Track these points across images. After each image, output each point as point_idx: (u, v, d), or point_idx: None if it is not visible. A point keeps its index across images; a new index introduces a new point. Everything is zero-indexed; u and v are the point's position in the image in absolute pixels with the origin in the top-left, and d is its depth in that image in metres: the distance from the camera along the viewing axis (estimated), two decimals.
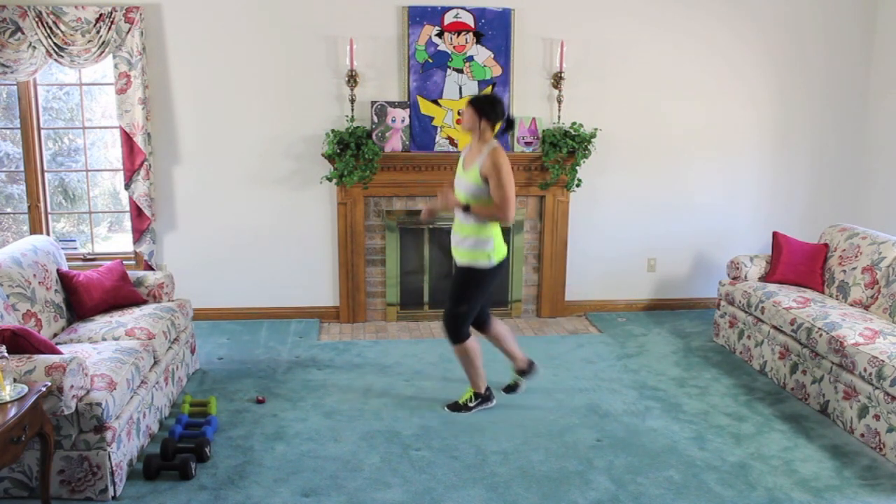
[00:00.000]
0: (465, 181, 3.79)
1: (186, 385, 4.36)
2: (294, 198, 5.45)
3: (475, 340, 3.94)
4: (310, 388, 4.33)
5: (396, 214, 5.49)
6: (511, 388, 4.27)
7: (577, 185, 5.45)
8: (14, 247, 3.90)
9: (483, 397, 4.03)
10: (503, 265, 3.90)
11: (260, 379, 4.47)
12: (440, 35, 5.25)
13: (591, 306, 5.89)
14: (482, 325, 4.07)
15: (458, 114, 3.81)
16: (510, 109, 5.38)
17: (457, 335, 3.87)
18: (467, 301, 3.85)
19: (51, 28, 4.86)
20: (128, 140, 5.10)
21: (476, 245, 3.78)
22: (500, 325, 4.13)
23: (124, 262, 4.58)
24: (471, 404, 4.00)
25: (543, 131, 5.40)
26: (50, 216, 5.48)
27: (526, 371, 4.22)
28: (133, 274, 4.48)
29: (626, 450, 3.64)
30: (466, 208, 3.75)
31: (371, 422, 3.91)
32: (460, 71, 5.30)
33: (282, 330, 5.36)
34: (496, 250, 3.82)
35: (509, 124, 3.88)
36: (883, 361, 3.60)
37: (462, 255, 3.84)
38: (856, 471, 3.48)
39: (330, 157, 5.18)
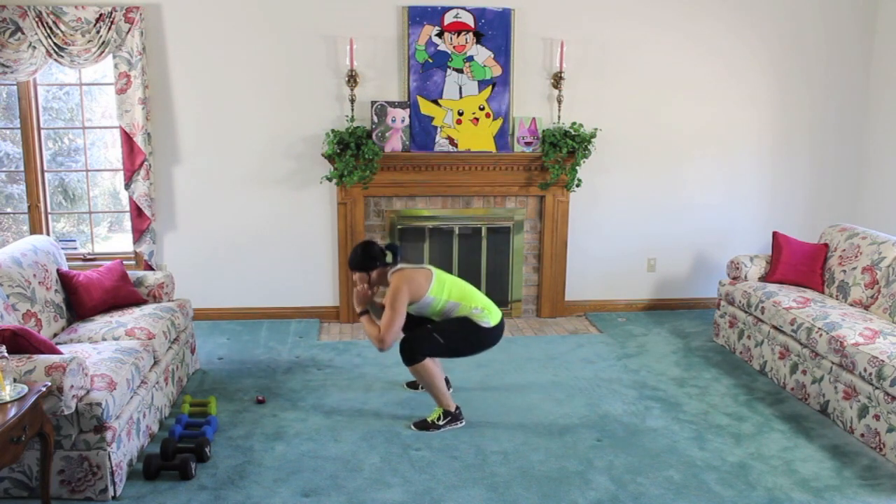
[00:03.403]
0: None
1: (186, 385, 4.36)
2: (294, 198, 5.45)
3: (429, 359, 3.82)
4: (310, 388, 4.33)
5: (396, 214, 5.50)
6: (415, 385, 4.29)
7: (577, 185, 5.45)
8: (14, 247, 3.90)
9: (453, 416, 3.84)
10: (497, 330, 3.89)
11: (260, 379, 4.46)
12: (440, 35, 5.25)
13: (591, 306, 5.89)
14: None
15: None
16: (510, 109, 5.38)
17: (412, 357, 3.75)
18: (448, 337, 3.79)
19: (51, 28, 4.86)
20: (128, 140, 5.10)
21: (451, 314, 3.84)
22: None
23: (124, 262, 4.57)
24: (440, 423, 3.82)
25: (543, 131, 5.40)
26: (50, 216, 5.48)
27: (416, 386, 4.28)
28: (133, 274, 4.48)
29: (626, 450, 3.64)
30: (364, 313, 3.83)
31: (371, 422, 3.91)
32: (460, 71, 5.30)
33: (282, 330, 5.36)
34: (489, 313, 3.85)
35: (394, 252, 3.90)
36: (883, 361, 3.60)
37: None
38: (856, 471, 3.48)
39: (330, 157, 5.18)
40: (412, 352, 3.75)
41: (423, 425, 3.83)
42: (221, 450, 3.58)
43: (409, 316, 3.87)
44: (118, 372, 3.31)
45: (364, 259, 3.82)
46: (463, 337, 3.85)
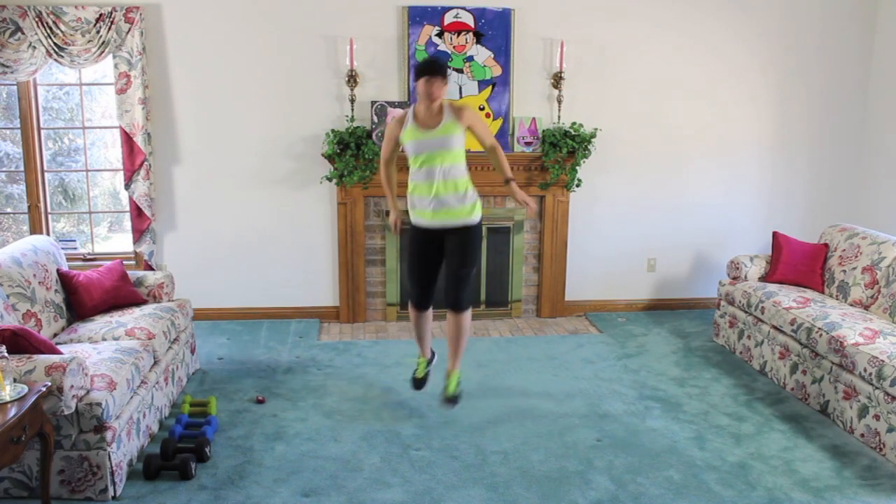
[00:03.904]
0: (439, 139, 3.69)
1: (186, 385, 4.36)
2: (294, 198, 5.45)
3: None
4: (310, 388, 4.33)
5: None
6: (421, 383, 4.20)
7: (577, 185, 5.45)
8: (14, 247, 3.90)
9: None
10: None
11: (260, 379, 4.46)
12: (440, 35, 5.25)
13: (591, 306, 5.89)
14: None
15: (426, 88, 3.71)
16: (510, 109, 5.38)
17: (466, 299, 3.80)
18: (477, 260, 3.82)
19: (51, 28, 4.86)
20: (128, 140, 5.10)
21: (475, 197, 3.80)
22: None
23: (124, 262, 4.58)
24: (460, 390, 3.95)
25: (543, 131, 5.40)
26: (50, 216, 5.48)
27: (430, 360, 4.21)
28: (133, 274, 4.48)
29: (626, 450, 3.64)
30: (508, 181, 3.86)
31: (371, 422, 3.91)
32: (460, 71, 5.30)
33: (282, 330, 5.36)
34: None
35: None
36: (883, 361, 3.60)
37: (467, 212, 3.76)
38: (856, 471, 3.48)
39: (330, 157, 5.18)
40: (461, 302, 3.80)
41: (453, 400, 3.89)
42: (221, 450, 3.58)
43: (424, 266, 3.89)
44: (118, 372, 3.31)
45: (445, 68, 3.77)
46: (479, 246, 3.92)
